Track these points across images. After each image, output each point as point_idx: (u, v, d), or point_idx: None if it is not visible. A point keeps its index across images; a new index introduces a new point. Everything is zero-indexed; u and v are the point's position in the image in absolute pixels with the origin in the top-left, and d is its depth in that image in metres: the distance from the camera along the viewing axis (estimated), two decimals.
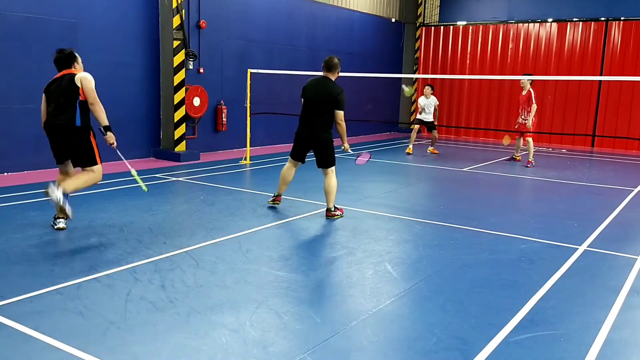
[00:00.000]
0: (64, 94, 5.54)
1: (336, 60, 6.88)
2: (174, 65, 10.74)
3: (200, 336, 3.47)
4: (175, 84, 10.79)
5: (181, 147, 11.00)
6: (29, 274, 4.46)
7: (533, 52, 16.62)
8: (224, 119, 12.05)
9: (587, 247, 5.75)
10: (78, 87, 5.58)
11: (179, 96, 10.86)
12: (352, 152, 7.44)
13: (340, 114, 6.65)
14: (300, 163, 6.92)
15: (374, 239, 5.77)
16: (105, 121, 5.67)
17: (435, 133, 13.27)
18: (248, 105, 10.92)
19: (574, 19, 16.03)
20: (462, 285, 4.52)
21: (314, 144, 6.73)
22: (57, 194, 5.16)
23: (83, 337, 3.39)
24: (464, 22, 17.79)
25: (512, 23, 16.93)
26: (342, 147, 6.96)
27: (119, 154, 5.94)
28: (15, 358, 3.15)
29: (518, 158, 12.33)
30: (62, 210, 5.51)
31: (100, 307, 3.86)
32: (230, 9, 12.16)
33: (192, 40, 11.26)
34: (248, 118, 10.97)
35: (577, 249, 5.65)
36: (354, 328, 3.65)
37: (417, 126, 13.32)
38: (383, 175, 9.98)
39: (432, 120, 12.96)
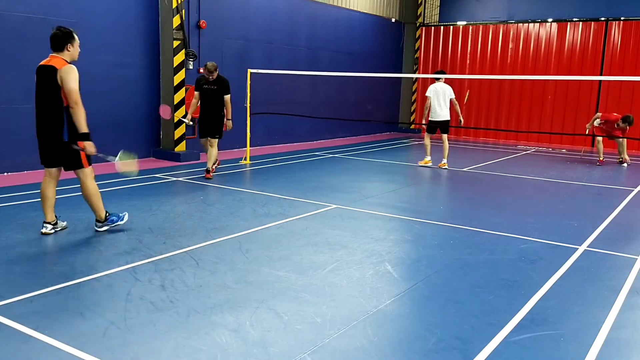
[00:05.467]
0: (47, 95, 5.14)
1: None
2: (174, 65, 10.74)
3: (200, 336, 3.47)
4: (175, 84, 10.79)
5: (181, 147, 11.00)
6: (29, 274, 4.46)
7: (533, 52, 16.62)
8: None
9: (587, 247, 5.74)
10: (59, 88, 5.09)
11: (179, 96, 10.86)
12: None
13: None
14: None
15: (374, 239, 5.77)
16: (84, 127, 5.18)
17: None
18: (248, 105, 10.92)
19: (574, 19, 16.03)
20: (462, 285, 4.52)
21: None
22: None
23: (83, 337, 3.39)
24: (464, 22, 17.79)
25: (512, 23, 16.93)
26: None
27: (101, 156, 5.55)
28: (15, 358, 3.15)
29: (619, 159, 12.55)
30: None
31: (100, 307, 3.85)
32: (230, 9, 12.16)
33: (192, 40, 11.26)
34: (248, 118, 10.97)
35: (577, 249, 5.65)
36: (354, 328, 3.65)
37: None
38: (383, 175, 9.98)
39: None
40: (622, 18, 15.41)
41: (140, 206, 6.81)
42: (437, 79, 10.98)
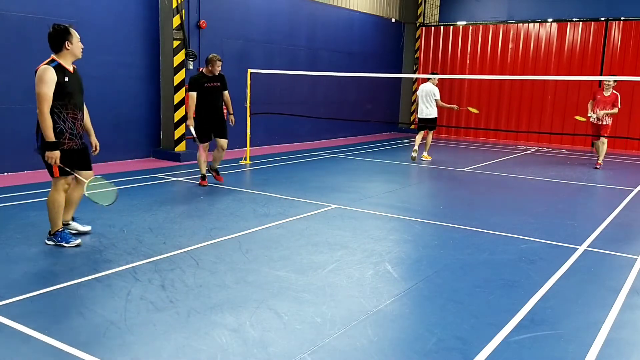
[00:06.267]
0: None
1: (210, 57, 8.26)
2: (174, 65, 10.74)
3: (200, 336, 3.47)
4: (175, 84, 10.79)
5: (181, 147, 11.00)
6: (29, 274, 4.46)
7: (533, 52, 16.62)
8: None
9: (587, 247, 5.74)
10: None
11: (179, 96, 10.86)
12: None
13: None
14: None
15: (374, 239, 5.77)
16: (49, 136, 4.79)
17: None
18: (248, 105, 10.92)
19: (574, 19, 16.03)
20: (462, 285, 4.52)
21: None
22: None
23: (83, 337, 3.39)
24: (464, 22, 17.79)
25: (512, 23, 16.93)
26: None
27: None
28: (15, 358, 3.15)
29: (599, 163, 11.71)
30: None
31: (100, 307, 3.86)
32: (230, 9, 12.16)
33: (192, 40, 11.26)
34: (248, 118, 10.97)
35: (577, 249, 5.65)
36: (354, 328, 3.65)
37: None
38: (383, 175, 9.98)
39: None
40: (622, 18, 15.41)
41: (140, 206, 6.81)
42: (429, 79, 11.90)
